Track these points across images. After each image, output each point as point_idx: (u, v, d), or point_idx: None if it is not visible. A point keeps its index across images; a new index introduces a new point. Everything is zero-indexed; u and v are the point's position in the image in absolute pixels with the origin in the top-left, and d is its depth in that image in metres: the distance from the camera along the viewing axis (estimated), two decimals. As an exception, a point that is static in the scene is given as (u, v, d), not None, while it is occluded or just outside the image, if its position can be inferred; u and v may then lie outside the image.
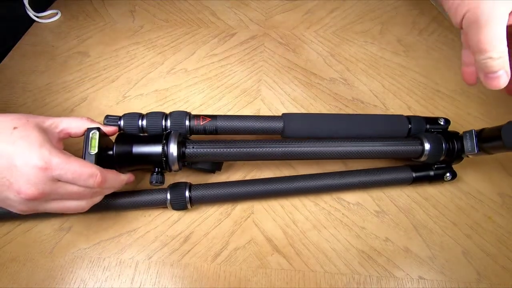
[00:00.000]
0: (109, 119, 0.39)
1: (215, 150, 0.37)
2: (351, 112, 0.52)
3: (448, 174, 0.42)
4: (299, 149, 0.38)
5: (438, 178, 0.42)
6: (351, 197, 0.43)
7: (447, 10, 0.33)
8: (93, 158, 0.33)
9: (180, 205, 0.39)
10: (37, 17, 0.63)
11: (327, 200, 0.43)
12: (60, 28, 0.63)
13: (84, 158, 0.33)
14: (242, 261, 0.38)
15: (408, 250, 0.40)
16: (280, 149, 0.38)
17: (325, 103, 0.53)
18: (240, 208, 0.42)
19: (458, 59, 0.59)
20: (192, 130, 0.40)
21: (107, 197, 0.37)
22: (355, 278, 0.37)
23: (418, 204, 0.43)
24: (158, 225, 0.41)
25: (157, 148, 0.35)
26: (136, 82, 0.55)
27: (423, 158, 0.41)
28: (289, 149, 0.38)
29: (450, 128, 0.44)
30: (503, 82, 0.31)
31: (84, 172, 0.31)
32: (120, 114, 0.40)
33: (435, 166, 0.42)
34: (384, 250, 0.39)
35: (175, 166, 0.36)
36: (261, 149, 0.38)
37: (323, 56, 0.60)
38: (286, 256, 0.39)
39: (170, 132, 0.37)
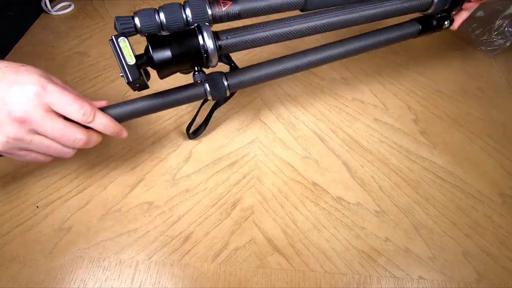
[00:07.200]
0: (121, 20, 0.33)
1: (248, 36, 0.36)
2: (351, 111, 0.52)
3: (446, 22, 0.47)
4: (329, 19, 0.40)
5: (439, 26, 0.47)
6: (351, 197, 0.43)
7: None
8: (135, 69, 0.30)
9: (220, 93, 0.40)
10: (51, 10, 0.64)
11: (327, 200, 0.43)
12: (60, 28, 0.63)
13: (126, 71, 0.30)
14: (242, 261, 0.38)
15: (408, 250, 0.40)
16: (312, 23, 0.39)
17: (325, 103, 0.53)
18: (240, 208, 0.42)
19: (458, 59, 0.60)
20: (215, 18, 0.37)
21: (142, 99, 0.36)
22: (355, 278, 0.38)
23: (418, 204, 0.43)
24: (158, 225, 0.41)
25: (195, 43, 0.33)
26: (136, 82, 0.55)
27: (431, 9, 0.45)
28: (321, 21, 0.40)
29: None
30: None
31: (76, 102, 0.31)
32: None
33: (437, 16, 0.46)
34: (384, 250, 0.39)
35: (215, 60, 0.35)
36: (294, 27, 0.38)
37: (323, 56, 0.60)
38: (286, 256, 0.39)
39: (199, 25, 0.34)
